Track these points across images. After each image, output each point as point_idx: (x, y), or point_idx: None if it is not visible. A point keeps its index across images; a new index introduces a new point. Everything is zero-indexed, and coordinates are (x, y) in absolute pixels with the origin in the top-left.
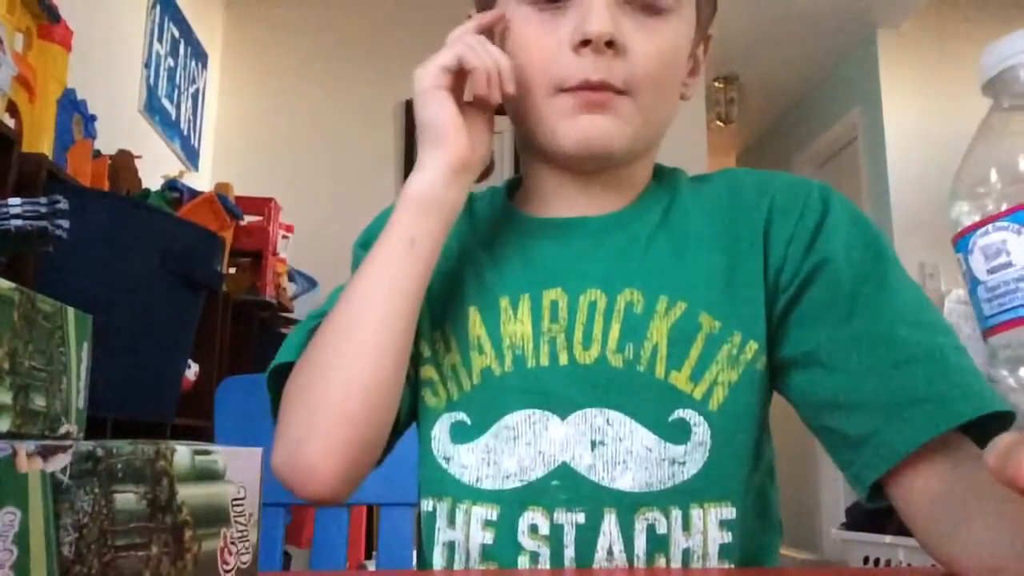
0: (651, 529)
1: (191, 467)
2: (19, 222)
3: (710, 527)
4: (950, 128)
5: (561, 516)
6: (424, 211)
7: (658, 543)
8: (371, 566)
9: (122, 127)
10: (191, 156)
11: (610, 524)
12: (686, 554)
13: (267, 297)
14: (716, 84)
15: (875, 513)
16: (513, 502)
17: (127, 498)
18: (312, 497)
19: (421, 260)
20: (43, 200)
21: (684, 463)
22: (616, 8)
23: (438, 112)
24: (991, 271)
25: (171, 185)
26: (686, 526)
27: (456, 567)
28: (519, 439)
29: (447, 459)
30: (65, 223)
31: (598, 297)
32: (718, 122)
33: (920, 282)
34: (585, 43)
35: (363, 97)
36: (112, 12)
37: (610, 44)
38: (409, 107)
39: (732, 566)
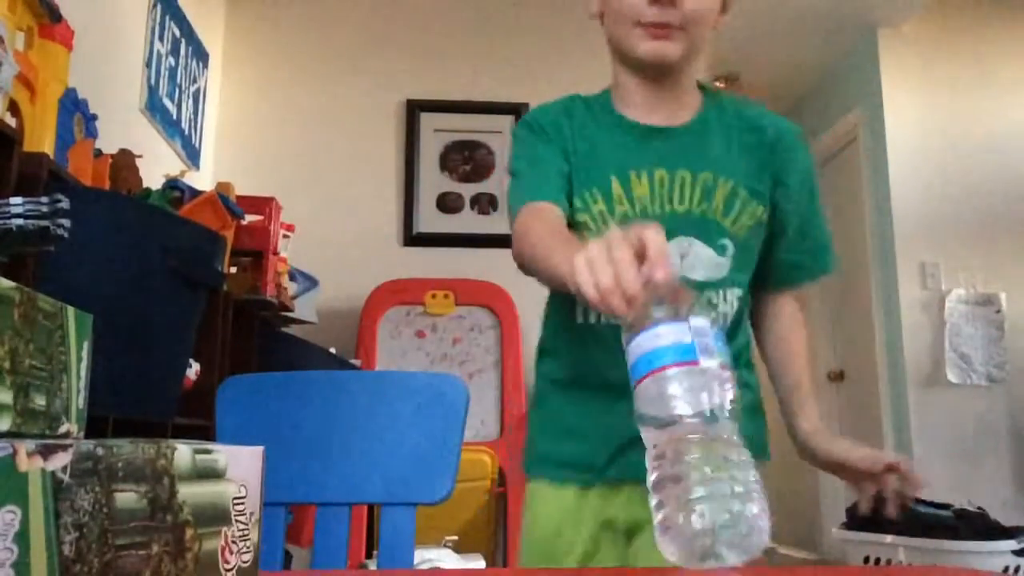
0: (708, 300)
1: (192, 466)
2: (20, 221)
3: (731, 299)
4: (950, 128)
5: None
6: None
7: (709, 304)
8: (372, 565)
9: (123, 126)
10: (192, 155)
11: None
12: (722, 315)
13: (268, 296)
14: (717, 84)
15: (875, 514)
16: None
17: (128, 497)
18: None
19: None
20: (44, 199)
21: (724, 266)
22: None
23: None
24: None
25: (172, 184)
26: (725, 299)
27: (605, 320)
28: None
29: None
30: (66, 222)
31: (686, 175)
32: None
33: (920, 281)
34: (655, 1)
35: (365, 96)
36: (113, 11)
37: (670, 2)
38: (410, 106)
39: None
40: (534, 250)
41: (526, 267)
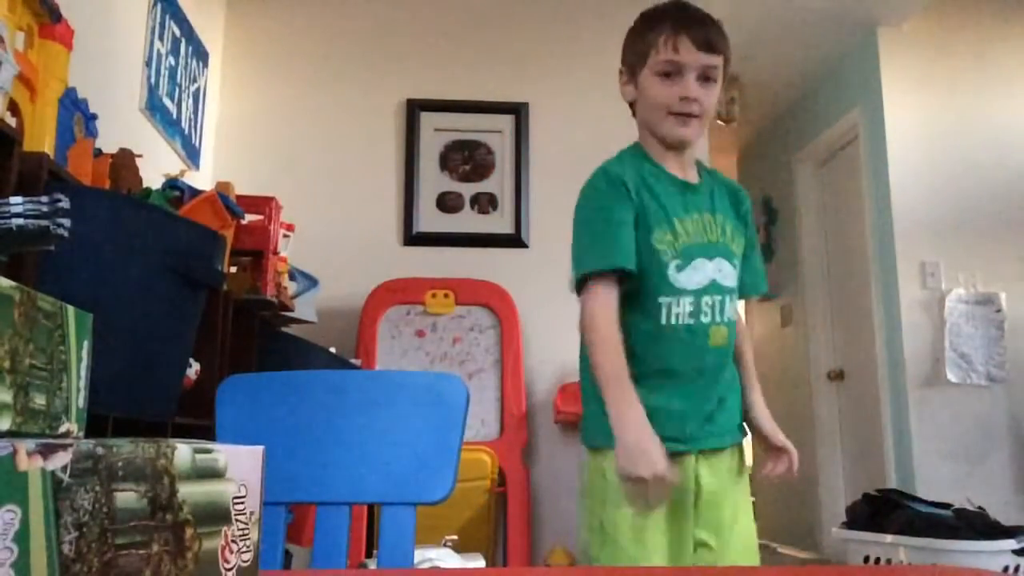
0: (733, 298)
1: (192, 465)
2: (20, 221)
3: (735, 300)
4: (951, 127)
5: (714, 298)
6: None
7: (733, 302)
8: (372, 565)
9: (123, 126)
10: (192, 155)
11: (726, 299)
12: (735, 307)
13: (268, 296)
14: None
15: (875, 513)
16: (697, 295)
17: (128, 496)
18: None
19: None
20: (44, 199)
21: (735, 277)
22: (695, 81)
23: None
24: None
25: (172, 184)
26: (734, 299)
27: (677, 322)
28: (698, 269)
29: (674, 280)
30: (66, 222)
31: (710, 216)
32: (719, 121)
33: (920, 281)
34: (684, 98)
35: (365, 96)
36: (113, 11)
37: (694, 99)
38: (410, 106)
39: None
40: (594, 356)
41: (585, 346)
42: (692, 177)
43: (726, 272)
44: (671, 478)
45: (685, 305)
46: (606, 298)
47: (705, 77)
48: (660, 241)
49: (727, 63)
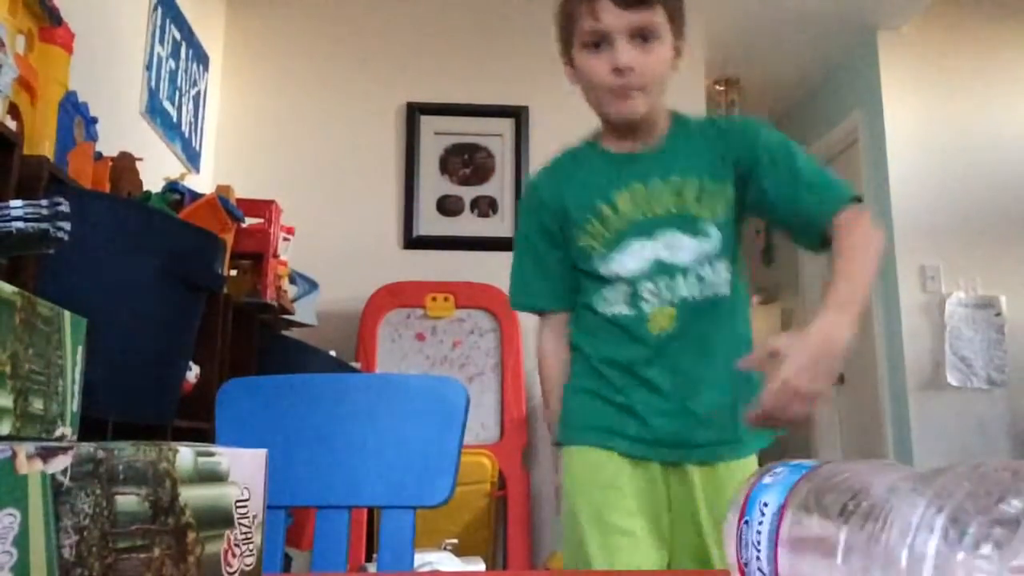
0: (697, 275)
1: (194, 469)
2: (20, 224)
3: (720, 270)
4: (950, 130)
5: (659, 282)
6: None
7: (700, 278)
8: (372, 568)
9: (123, 129)
10: (192, 158)
11: (680, 279)
12: (705, 283)
13: (268, 299)
14: (717, 87)
15: None
16: (634, 282)
17: (129, 500)
18: None
19: None
20: (44, 202)
21: (711, 245)
22: (627, 43)
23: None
24: None
25: (172, 187)
26: (715, 270)
27: (616, 312)
28: (632, 254)
29: (603, 271)
30: (66, 225)
31: (657, 183)
32: None
33: (920, 284)
34: (616, 69)
35: (365, 99)
36: (113, 14)
37: (629, 67)
38: (410, 109)
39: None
40: (543, 382)
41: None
42: (650, 144)
43: (682, 246)
44: None
45: (619, 294)
46: (544, 328)
47: (642, 37)
48: (585, 235)
49: (674, 12)
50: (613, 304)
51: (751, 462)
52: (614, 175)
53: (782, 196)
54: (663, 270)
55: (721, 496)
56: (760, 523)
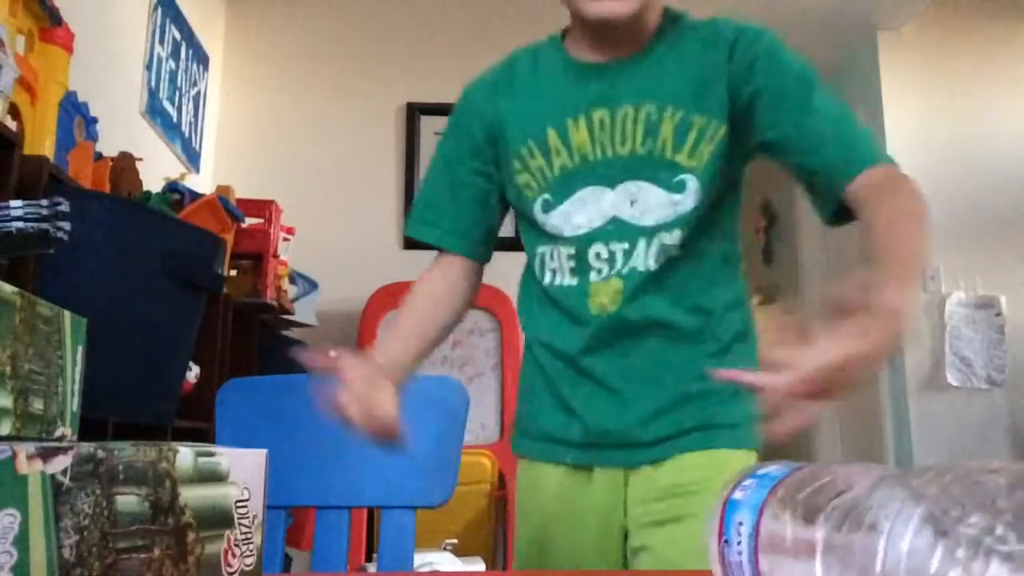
0: (661, 244)
1: (194, 469)
2: (20, 224)
3: (698, 244)
4: (950, 130)
5: (614, 246)
6: None
7: (665, 250)
8: (372, 568)
9: (123, 129)
10: (192, 158)
11: (641, 246)
12: (671, 253)
13: (268, 299)
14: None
15: None
16: (581, 242)
17: (129, 500)
18: None
19: None
20: (44, 202)
21: (683, 203)
22: None
23: None
24: None
25: (172, 187)
26: (681, 241)
27: (556, 282)
28: (582, 204)
29: (543, 223)
30: (66, 225)
31: (628, 111)
32: None
33: (920, 284)
34: None
35: (365, 99)
36: (113, 14)
37: None
38: (410, 110)
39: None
40: (398, 315)
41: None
42: (626, 50)
43: (647, 201)
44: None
45: (562, 258)
46: (433, 268)
47: None
48: (522, 168)
49: None
50: (555, 272)
51: (718, 454)
52: (573, 93)
53: (795, 147)
54: (622, 232)
55: (676, 488)
56: (739, 543)
